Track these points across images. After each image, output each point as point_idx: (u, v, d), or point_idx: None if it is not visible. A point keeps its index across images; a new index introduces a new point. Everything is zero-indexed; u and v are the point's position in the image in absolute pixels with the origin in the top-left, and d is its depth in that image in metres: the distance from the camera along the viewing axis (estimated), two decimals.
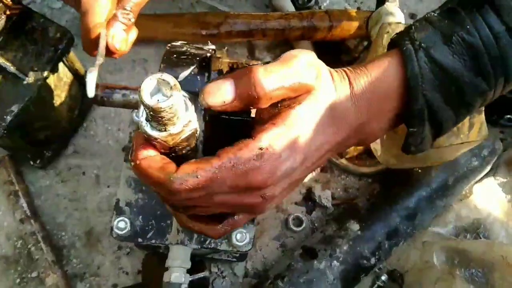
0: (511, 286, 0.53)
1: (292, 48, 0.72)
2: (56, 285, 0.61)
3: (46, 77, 0.56)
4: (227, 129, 0.39)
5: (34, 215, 0.65)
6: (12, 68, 0.55)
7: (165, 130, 0.35)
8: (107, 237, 0.66)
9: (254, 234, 0.51)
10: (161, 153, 0.37)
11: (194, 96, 0.40)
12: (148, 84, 0.33)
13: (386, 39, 0.53)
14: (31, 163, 0.66)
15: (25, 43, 0.56)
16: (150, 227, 0.51)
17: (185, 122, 0.35)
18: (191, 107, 0.36)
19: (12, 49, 0.56)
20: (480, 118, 0.56)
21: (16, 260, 0.65)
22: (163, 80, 0.32)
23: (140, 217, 0.52)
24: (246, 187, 0.36)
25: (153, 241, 0.51)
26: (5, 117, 0.54)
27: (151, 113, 0.33)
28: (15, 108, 0.54)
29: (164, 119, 0.34)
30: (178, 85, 0.33)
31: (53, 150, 0.67)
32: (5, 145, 0.63)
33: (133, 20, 0.45)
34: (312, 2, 0.75)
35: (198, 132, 0.38)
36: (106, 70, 0.73)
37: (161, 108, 0.32)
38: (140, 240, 0.51)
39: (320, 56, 0.78)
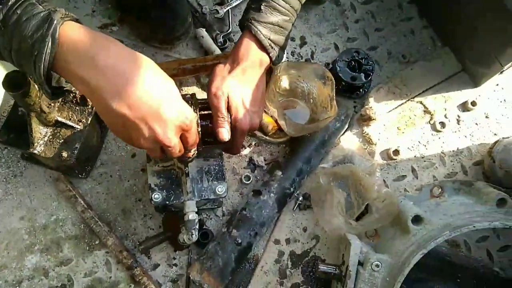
0: (356, 184, 1.03)
1: None
2: (115, 243, 1.03)
3: (89, 124, 0.96)
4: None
5: (89, 207, 1.05)
6: (69, 122, 0.94)
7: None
8: (136, 211, 1.08)
9: (227, 187, 0.96)
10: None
11: None
12: None
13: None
14: (79, 176, 1.05)
15: (72, 106, 0.95)
16: (171, 194, 0.94)
17: None
18: None
19: (66, 111, 0.95)
20: (334, 103, 1.04)
21: (82, 236, 1.05)
22: None
23: (164, 190, 0.94)
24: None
25: (175, 201, 0.94)
26: (74, 151, 0.93)
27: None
28: (77, 145, 0.94)
29: None
30: None
31: (90, 165, 1.06)
32: (67, 166, 1.01)
33: None
34: (228, 44, 1.19)
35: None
36: None
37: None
38: (167, 202, 0.94)
39: None
